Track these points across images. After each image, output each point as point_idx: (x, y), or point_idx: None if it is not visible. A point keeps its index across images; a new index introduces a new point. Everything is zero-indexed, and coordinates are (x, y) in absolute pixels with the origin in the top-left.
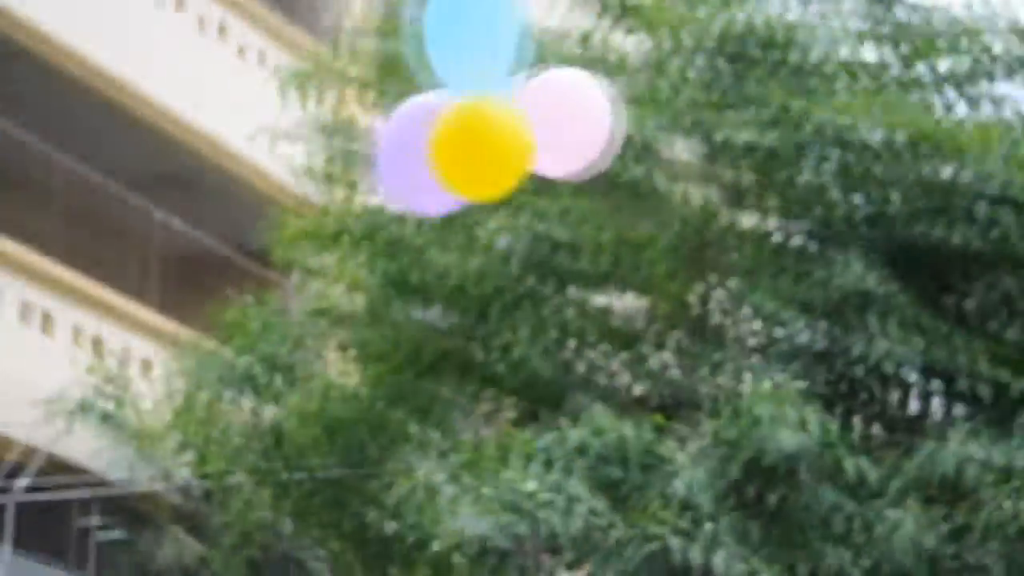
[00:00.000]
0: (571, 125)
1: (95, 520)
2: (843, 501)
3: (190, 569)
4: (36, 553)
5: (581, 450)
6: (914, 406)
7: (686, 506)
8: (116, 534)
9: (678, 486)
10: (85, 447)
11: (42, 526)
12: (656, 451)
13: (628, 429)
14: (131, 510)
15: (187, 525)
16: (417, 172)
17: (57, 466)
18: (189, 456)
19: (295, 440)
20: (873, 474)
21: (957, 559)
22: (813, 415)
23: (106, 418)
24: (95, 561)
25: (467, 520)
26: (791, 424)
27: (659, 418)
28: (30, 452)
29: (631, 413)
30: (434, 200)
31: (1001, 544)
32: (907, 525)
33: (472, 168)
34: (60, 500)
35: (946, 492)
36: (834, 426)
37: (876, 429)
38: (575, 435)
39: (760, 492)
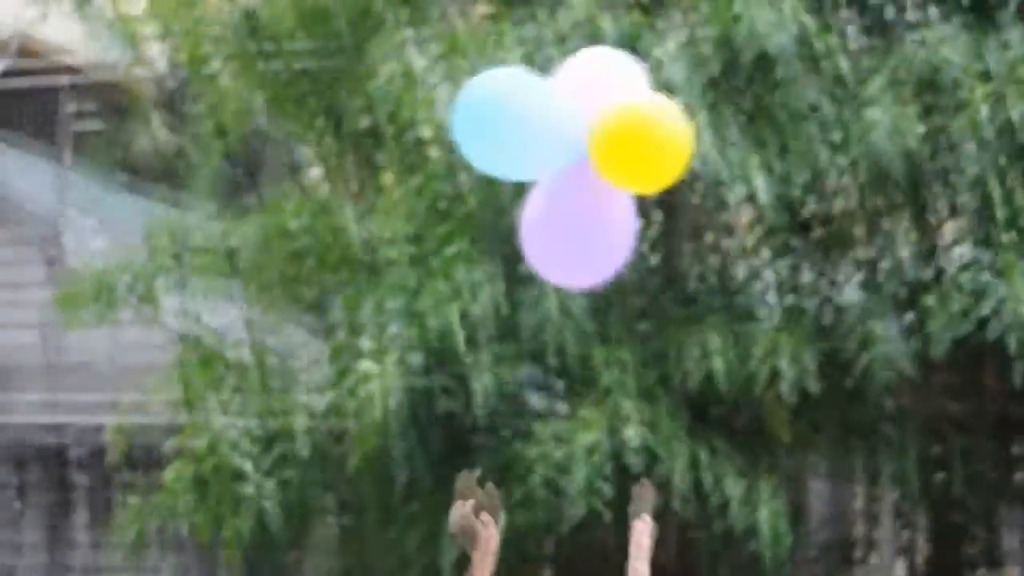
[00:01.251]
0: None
1: (72, 107)
2: (822, 99)
3: (167, 159)
4: (13, 136)
5: (560, 40)
6: (892, 11)
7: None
8: (94, 123)
9: (661, 76)
10: (63, 36)
11: (19, 111)
12: (636, 44)
13: (607, 22)
14: (109, 99)
15: (164, 115)
16: (565, 245)
17: (34, 54)
18: (166, 44)
19: (271, 28)
20: (851, 72)
21: (934, 160)
22: (794, 13)
23: (83, 4)
24: (72, 149)
25: (446, 108)
26: (772, 21)
27: (639, 12)
28: (8, 38)
29: (611, 6)
30: (585, 272)
31: (977, 147)
32: (885, 124)
33: (636, 164)
34: (39, 87)
35: (924, 94)
36: (814, 23)
37: (856, 31)
38: (554, 27)
39: (740, 88)
